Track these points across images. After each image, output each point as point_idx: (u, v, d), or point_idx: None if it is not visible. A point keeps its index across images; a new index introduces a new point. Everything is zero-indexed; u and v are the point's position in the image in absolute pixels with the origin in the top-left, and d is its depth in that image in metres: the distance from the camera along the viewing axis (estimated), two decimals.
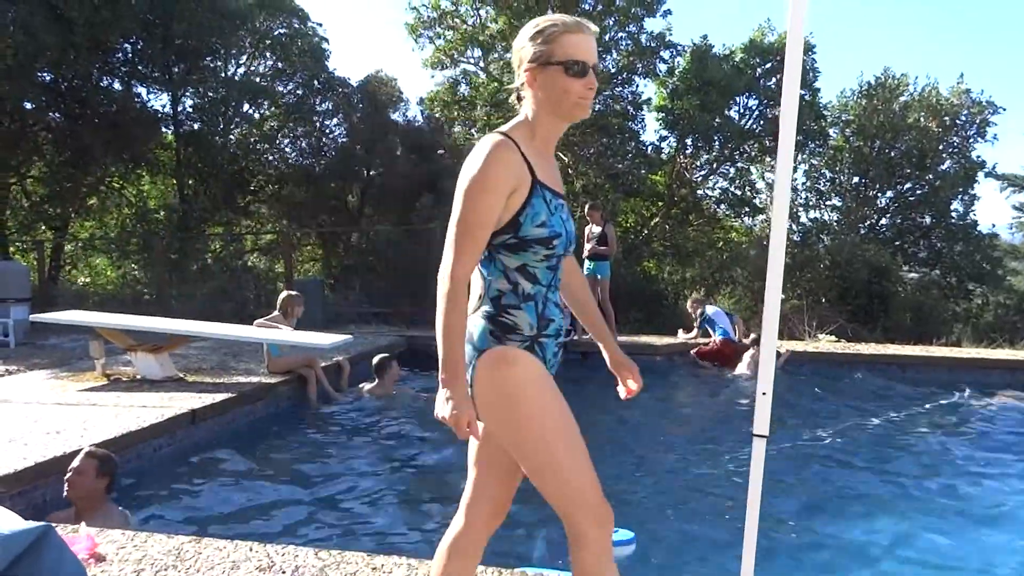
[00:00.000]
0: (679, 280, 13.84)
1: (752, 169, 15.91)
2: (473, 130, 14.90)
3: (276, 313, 6.82)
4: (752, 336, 8.58)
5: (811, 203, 16.20)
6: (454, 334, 1.83)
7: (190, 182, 16.11)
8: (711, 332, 8.77)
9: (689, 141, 15.05)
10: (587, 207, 9.29)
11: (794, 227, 15.58)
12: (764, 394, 1.99)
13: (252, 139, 16.68)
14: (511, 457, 2.01)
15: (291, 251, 12.78)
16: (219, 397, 5.65)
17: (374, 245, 13.83)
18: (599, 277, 8.95)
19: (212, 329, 6.62)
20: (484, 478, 2.08)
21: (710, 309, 9.04)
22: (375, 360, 6.79)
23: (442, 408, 1.81)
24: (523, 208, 1.88)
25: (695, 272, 14.01)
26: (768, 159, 15.64)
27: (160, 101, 15.63)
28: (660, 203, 15.68)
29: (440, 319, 1.82)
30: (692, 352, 8.59)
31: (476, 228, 1.83)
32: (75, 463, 3.51)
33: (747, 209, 15.53)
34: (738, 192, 15.56)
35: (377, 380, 6.77)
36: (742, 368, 8.17)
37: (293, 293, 6.99)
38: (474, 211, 1.82)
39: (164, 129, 15.65)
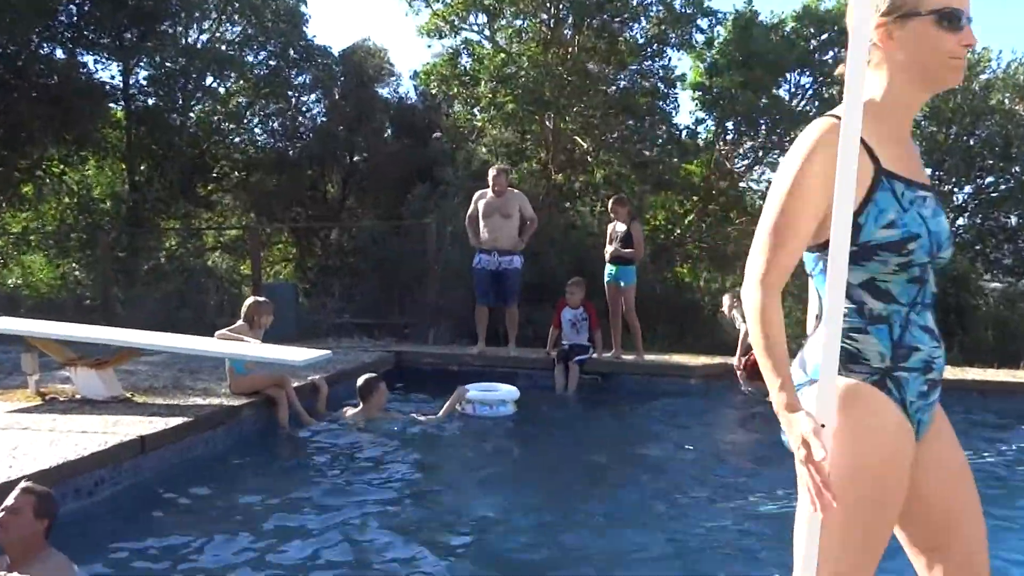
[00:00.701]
0: (717, 289, 13.79)
1: None
2: (476, 109, 14.91)
3: (240, 323, 6.83)
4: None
5: None
6: (777, 348, 1.78)
7: (142, 167, 16.15)
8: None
9: (730, 125, 14.97)
10: (611, 201, 9.29)
11: None
12: (823, 426, 1.96)
13: (216, 117, 16.73)
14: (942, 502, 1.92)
15: (259, 249, 12.81)
16: (173, 422, 5.65)
17: (357, 243, 13.82)
18: (622, 284, 8.94)
19: (165, 341, 6.62)
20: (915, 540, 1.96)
21: None
22: (359, 381, 6.80)
23: (796, 437, 1.72)
24: (862, 207, 1.80)
25: (737, 279, 13.98)
26: None
27: (109, 72, 15.73)
28: (695, 197, 15.63)
29: (757, 335, 1.80)
30: (738, 367, 8.48)
31: (783, 232, 1.80)
32: (9, 500, 3.45)
33: None
34: None
35: (361, 404, 6.79)
36: None
37: (261, 300, 7.01)
38: (781, 212, 1.79)
39: (113, 105, 15.71)
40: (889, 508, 1.86)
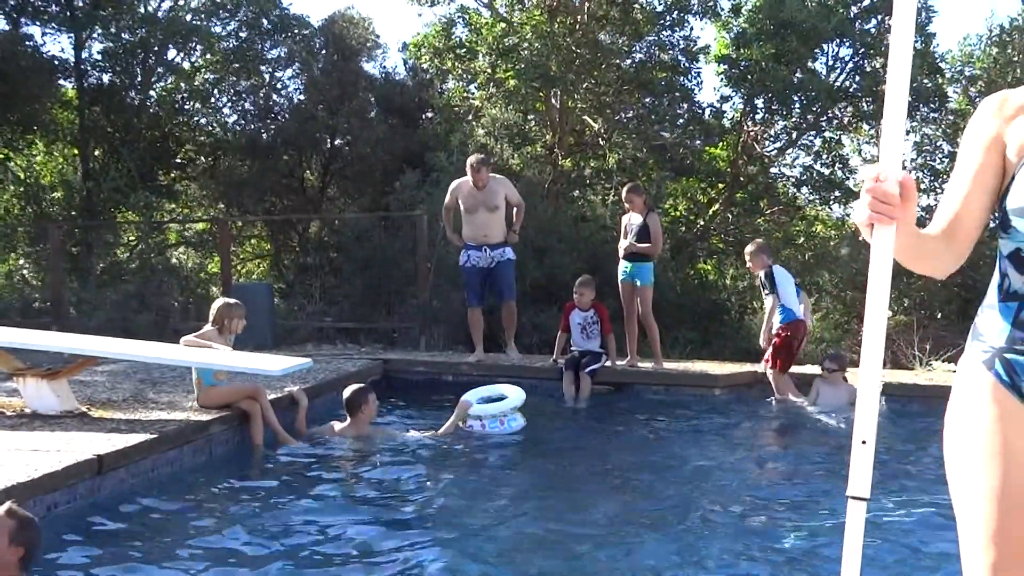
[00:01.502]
0: (745, 288, 13.82)
1: (844, 140, 15.90)
2: (473, 86, 14.97)
3: (209, 328, 6.85)
4: (830, 353, 8.52)
5: (923, 185, 16.19)
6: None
7: (97, 152, 16.21)
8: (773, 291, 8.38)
9: (760, 102, 15.05)
10: (624, 190, 9.32)
11: None
12: (864, 443, 1.99)
13: (179, 96, 16.78)
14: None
15: (229, 244, 12.85)
16: (133, 439, 5.67)
17: (340, 238, 13.87)
18: (638, 284, 8.96)
19: (124, 349, 6.65)
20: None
21: (778, 271, 8.66)
22: (346, 393, 6.83)
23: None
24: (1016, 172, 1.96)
25: None
26: (865, 127, 15.63)
27: (59, 45, 15.80)
28: (721, 185, 15.69)
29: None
30: (765, 366, 8.45)
31: (949, 187, 2.05)
32: None
33: (837, 193, 15.51)
34: (825, 170, 15.55)
35: (349, 419, 6.81)
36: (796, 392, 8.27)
37: (231, 301, 7.02)
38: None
39: (63, 82, 15.76)
40: (979, 500, 1.96)
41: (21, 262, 15.14)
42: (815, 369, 8.72)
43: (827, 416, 7.85)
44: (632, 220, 9.07)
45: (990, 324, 2.02)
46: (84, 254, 14.44)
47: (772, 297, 8.40)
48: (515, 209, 9.23)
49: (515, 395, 7.38)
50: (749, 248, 8.93)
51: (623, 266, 9.11)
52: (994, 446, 1.95)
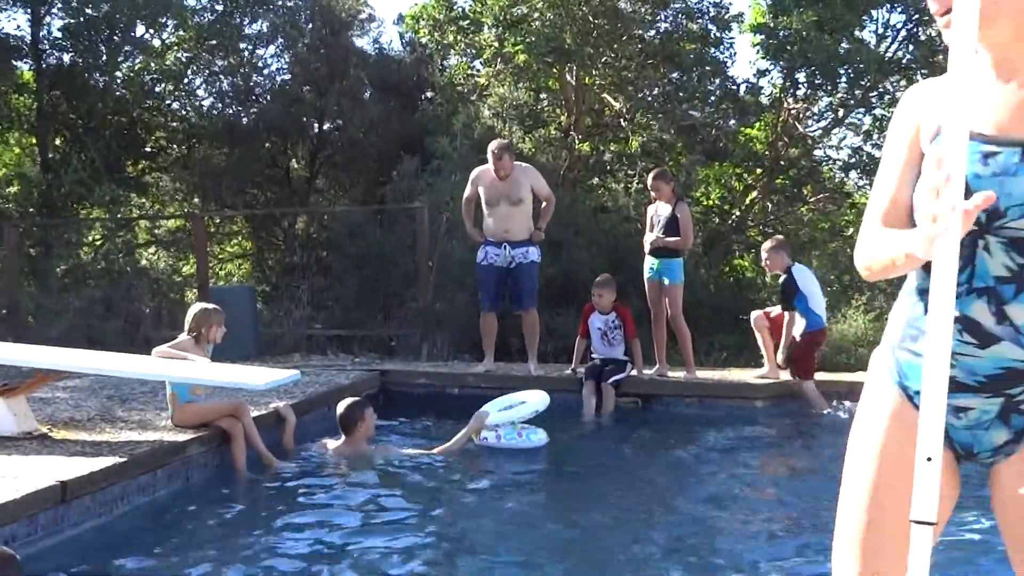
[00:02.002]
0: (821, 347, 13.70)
1: None
2: (477, 62, 14.96)
3: (184, 337, 6.84)
4: None
5: None
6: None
7: (57, 141, 16.24)
8: (791, 309, 8.68)
9: (802, 77, 14.94)
10: (650, 177, 9.29)
11: None
12: (929, 460, 1.96)
13: (149, 77, 16.79)
14: None
15: (206, 243, 12.85)
16: (101, 463, 5.66)
17: (330, 235, 13.87)
18: (666, 282, 8.92)
19: (89, 362, 6.65)
20: None
21: (800, 270, 8.98)
22: (340, 407, 6.85)
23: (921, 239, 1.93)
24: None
25: (815, 272, 13.90)
26: None
27: (13, 22, 15.85)
28: (759, 170, 15.61)
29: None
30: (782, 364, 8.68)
31: (877, 187, 2.23)
32: None
33: None
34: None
35: (344, 436, 6.83)
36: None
37: (209, 307, 7.03)
38: None
39: (18, 63, 15.79)
40: (859, 496, 2.23)
41: None
42: (857, 376, 8.68)
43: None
44: (659, 211, 9.04)
45: (893, 316, 2.25)
46: (43, 255, 14.47)
47: (791, 313, 8.67)
48: (543, 204, 9.18)
49: (536, 398, 7.35)
50: (768, 245, 9.05)
51: (649, 263, 9.07)
52: (879, 441, 2.21)
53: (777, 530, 5.77)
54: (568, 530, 5.73)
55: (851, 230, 15.67)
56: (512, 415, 7.23)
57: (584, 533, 5.66)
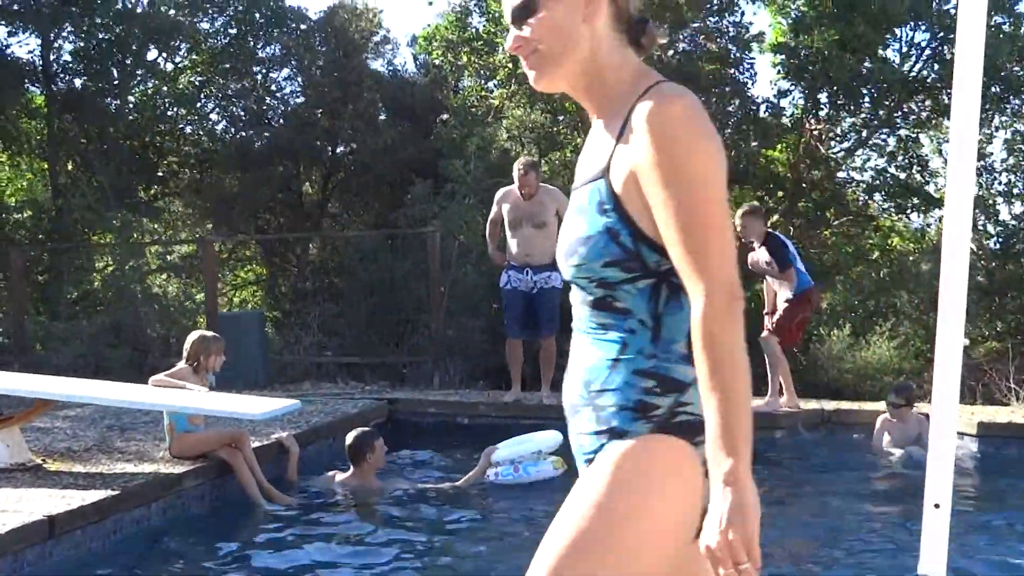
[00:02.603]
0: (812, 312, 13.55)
1: (923, 139, 15.66)
2: (491, 83, 14.87)
3: (182, 365, 6.74)
4: (896, 385, 8.27)
5: (1015, 190, 15.92)
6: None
7: (69, 166, 16.26)
8: (788, 266, 8.30)
9: (824, 97, 14.90)
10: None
11: (988, 227, 15.29)
12: (937, 507, 1.79)
13: (162, 101, 16.82)
14: None
15: (215, 269, 12.76)
16: (93, 496, 5.55)
17: (342, 259, 13.77)
18: None
19: (84, 390, 6.56)
20: None
21: (777, 235, 8.71)
22: (349, 438, 6.73)
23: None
24: None
25: (838, 297, 13.77)
26: (946, 122, 15.36)
27: (26, 47, 15.85)
28: (780, 193, 15.47)
29: (733, 364, 1.86)
30: (772, 332, 8.42)
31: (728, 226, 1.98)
32: None
33: (915, 201, 15.25)
34: (901, 174, 15.31)
35: (352, 468, 6.70)
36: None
37: (207, 334, 6.93)
38: (721, 202, 1.94)
39: (30, 87, 15.83)
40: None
41: None
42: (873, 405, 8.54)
43: (906, 466, 7.64)
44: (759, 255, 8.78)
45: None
46: (52, 281, 14.43)
47: (787, 273, 8.30)
48: None
49: (542, 438, 7.12)
50: (743, 210, 8.66)
51: None
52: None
53: (794, 555, 5.61)
54: None
55: (876, 254, 15.50)
56: (515, 451, 7.01)
57: None
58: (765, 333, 8.54)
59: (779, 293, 8.53)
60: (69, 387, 6.62)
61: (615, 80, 2.08)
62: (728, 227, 1.91)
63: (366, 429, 6.84)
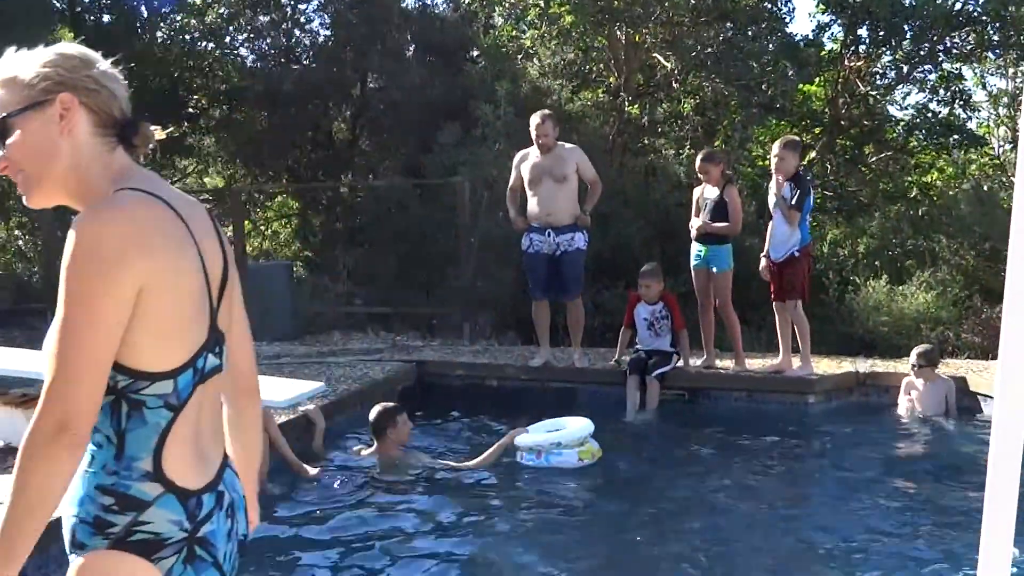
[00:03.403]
0: (847, 257, 13.25)
1: (966, 72, 15.25)
2: (523, 23, 14.54)
3: None
4: (921, 349, 8.08)
5: None
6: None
7: None
8: (799, 211, 8.09)
9: (864, 31, 14.54)
10: (698, 159, 8.81)
11: None
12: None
13: (190, 35, 16.62)
14: None
15: (244, 219, 12.62)
16: None
17: (371, 208, 13.61)
18: (714, 270, 8.54)
19: None
20: None
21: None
22: (372, 413, 6.69)
23: None
24: None
25: (873, 240, 13.45)
26: (991, 56, 14.94)
27: None
28: (818, 129, 15.17)
29: (28, 501, 1.86)
30: (790, 296, 8.25)
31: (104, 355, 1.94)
32: None
33: (957, 138, 14.88)
34: (943, 109, 14.93)
35: (376, 443, 6.68)
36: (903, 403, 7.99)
37: None
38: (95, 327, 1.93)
39: (59, 26, 15.64)
40: None
41: (15, 231, 15.18)
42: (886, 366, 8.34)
43: (940, 427, 7.54)
44: (706, 194, 8.63)
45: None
46: None
47: (794, 213, 8.06)
48: (588, 188, 8.82)
49: (574, 427, 6.98)
50: (784, 140, 8.49)
51: (696, 249, 8.68)
52: None
53: (827, 530, 5.57)
54: (595, 543, 5.61)
55: (915, 191, 15.19)
56: (544, 439, 6.89)
57: (621, 551, 5.49)
58: (788, 302, 8.30)
59: (774, 236, 8.29)
60: None
61: (100, 186, 2.04)
62: (90, 362, 1.86)
63: (389, 405, 6.76)
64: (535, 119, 8.64)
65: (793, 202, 8.06)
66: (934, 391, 7.85)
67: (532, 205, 8.71)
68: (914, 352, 8.01)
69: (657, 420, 8.15)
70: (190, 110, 16.81)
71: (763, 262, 8.44)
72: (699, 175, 8.72)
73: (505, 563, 5.28)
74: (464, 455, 7.02)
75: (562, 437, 6.83)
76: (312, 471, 6.57)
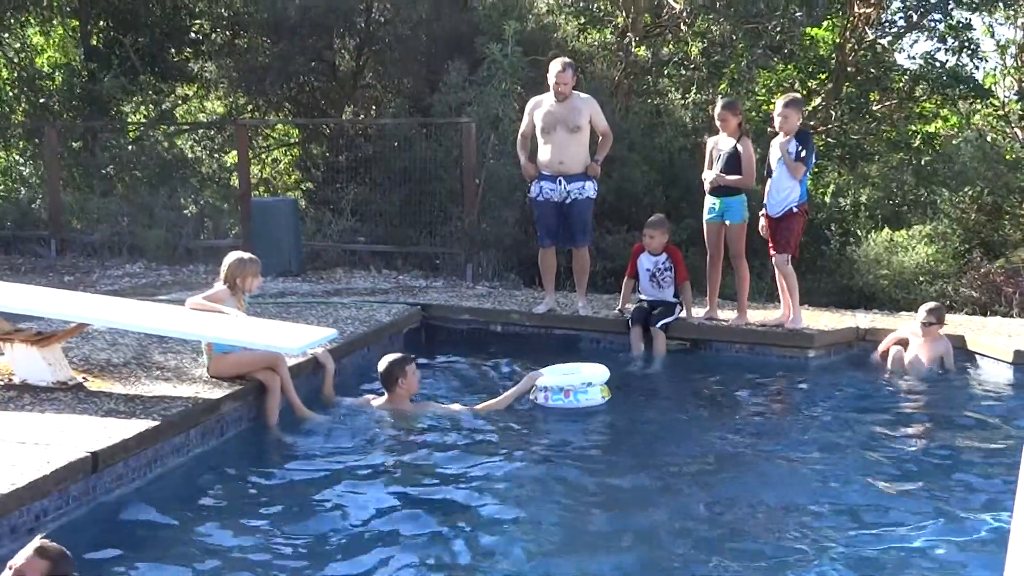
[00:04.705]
0: (850, 206, 13.27)
1: (975, 21, 15.15)
2: None
3: (220, 287, 6.67)
4: (930, 306, 8.17)
5: None
6: None
7: (101, 24, 15.97)
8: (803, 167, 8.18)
9: None
10: (719, 106, 8.64)
11: None
12: None
13: None
14: None
15: (247, 153, 12.54)
16: (134, 427, 5.60)
17: (375, 145, 13.50)
18: (727, 223, 8.51)
19: (121, 314, 6.58)
20: None
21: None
22: (381, 365, 6.75)
23: None
24: None
25: (876, 191, 13.49)
26: (1001, 6, 14.85)
27: None
28: (823, 74, 15.11)
29: None
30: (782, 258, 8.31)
31: None
32: (17, 560, 3.65)
33: (962, 88, 14.83)
34: (951, 59, 14.87)
35: (386, 394, 6.75)
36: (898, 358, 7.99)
37: (245, 257, 6.79)
38: None
39: None
40: None
41: (17, 158, 15.11)
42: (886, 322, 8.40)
43: (939, 384, 7.67)
44: (720, 145, 8.53)
45: None
46: (86, 151, 14.36)
47: (799, 165, 8.12)
48: (600, 138, 8.81)
49: (591, 372, 7.15)
50: (788, 98, 8.56)
51: (710, 202, 8.57)
52: None
53: (827, 489, 5.67)
54: (612, 499, 5.63)
55: (918, 140, 15.17)
56: (564, 381, 7.03)
57: (628, 501, 5.56)
58: (779, 256, 8.35)
59: (773, 191, 8.33)
60: (107, 310, 6.63)
61: None
62: None
63: (399, 356, 6.81)
64: (555, 66, 8.59)
65: (802, 160, 8.09)
66: (933, 349, 7.92)
67: (544, 153, 8.72)
68: (924, 309, 8.02)
69: (661, 371, 8.25)
70: (192, 35, 16.63)
71: (762, 220, 8.46)
72: (717, 122, 8.61)
73: (516, 514, 5.34)
74: (469, 403, 7.08)
75: (591, 377, 7.03)
76: (320, 418, 6.67)
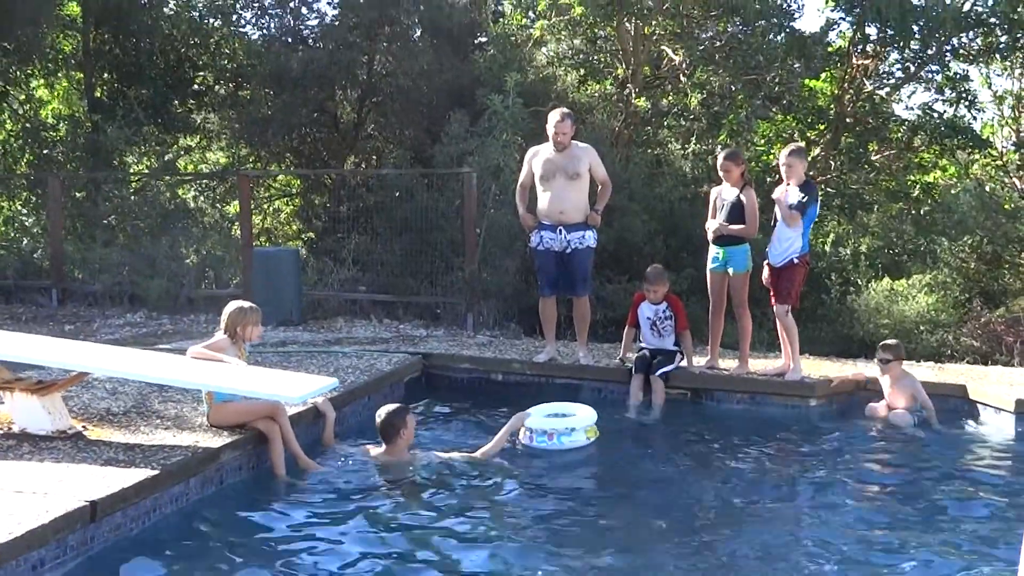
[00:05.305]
0: (850, 256, 13.29)
1: (973, 73, 15.27)
2: (532, 11, 14.53)
3: (220, 336, 6.70)
4: (885, 343, 8.16)
5: None
6: None
7: (105, 76, 16.14)
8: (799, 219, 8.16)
9: (872, 30, 14.51)
10: (721, 157, 8.71)
11: None
12: None
13: (197, 13, 16.59)
14: None
15: (250, 204, 12.56)
16: (133, 476, 5.58)
17: (377, 196, 13.58)
18: (731, 272, 8.50)
19: (125, 366, 6.58)
20: None
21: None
22: (379, 416, 6.73)
23: None
24: None
25: (876, 240, 13.53)
26: (998, 58, 14.96)
27: None
28: (822, 125, 15.19)
29: None
30: (783, 301, 8.28)
31: None
32: None
33: (960, 138, 14.91)
34: (948, 109, 14.95)
35: (385, 445, 6.74)
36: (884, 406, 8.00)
37: (245, 306, 6.82)
38: None
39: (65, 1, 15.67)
40: None
41: (21, 210, 15.19)
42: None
43: (937, 434, 7.68)
44: (724, 195, 8.55)
45: None
46: (89, 202, 14.43)
47: (795, 214, 8.11)
48: (600, 188, 8.87)
49: (581, 414, 7.23)
50: (793, 147, 8.56)
51: (713, 252, 8.56)
52: None
53: (825, 543, 5.57)
54: (609, 547, 5.61)
55: (917, 191, 15.24)
56: (548, 424, 7.11)
57: (625, 549, 5.54)
58: (779, 307, 8.35)
59: (775, 245, 8.33)
60: (108, 359, 6.63)
61: None
62: None
63: (397, 407, 6.79)
64: (555, 116, 8.66)
65: (798, 202, 8.12)
66: (903, 389, 7.91)
67: (543, 202, 8.77)
68: (880, 348, 8.04)
69: (660, 421, 8.22)
70: (195, 87, 16.82)
71: (765, 271, 8.49)
72: (720, 172, 8.65)
73: (514, 558, 5.32)
74: (469, 448, 7.09)
75: (575, 422, 7.14)
76: (320, 468, 6.65)
